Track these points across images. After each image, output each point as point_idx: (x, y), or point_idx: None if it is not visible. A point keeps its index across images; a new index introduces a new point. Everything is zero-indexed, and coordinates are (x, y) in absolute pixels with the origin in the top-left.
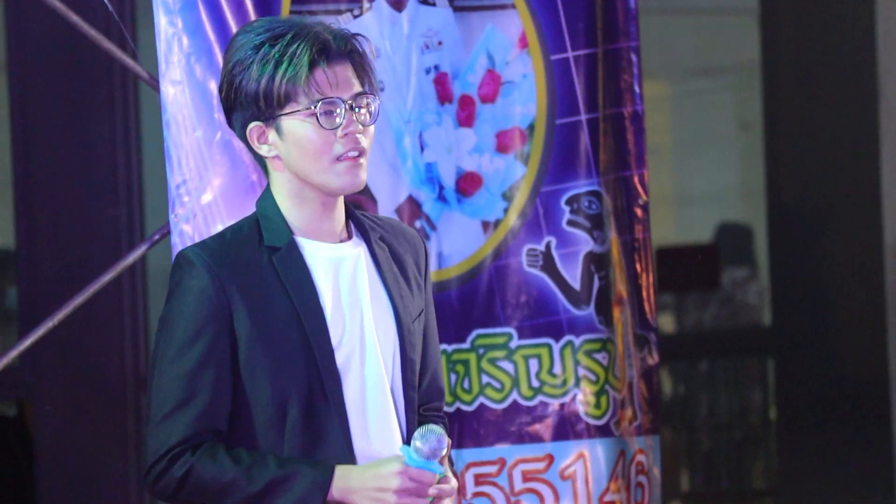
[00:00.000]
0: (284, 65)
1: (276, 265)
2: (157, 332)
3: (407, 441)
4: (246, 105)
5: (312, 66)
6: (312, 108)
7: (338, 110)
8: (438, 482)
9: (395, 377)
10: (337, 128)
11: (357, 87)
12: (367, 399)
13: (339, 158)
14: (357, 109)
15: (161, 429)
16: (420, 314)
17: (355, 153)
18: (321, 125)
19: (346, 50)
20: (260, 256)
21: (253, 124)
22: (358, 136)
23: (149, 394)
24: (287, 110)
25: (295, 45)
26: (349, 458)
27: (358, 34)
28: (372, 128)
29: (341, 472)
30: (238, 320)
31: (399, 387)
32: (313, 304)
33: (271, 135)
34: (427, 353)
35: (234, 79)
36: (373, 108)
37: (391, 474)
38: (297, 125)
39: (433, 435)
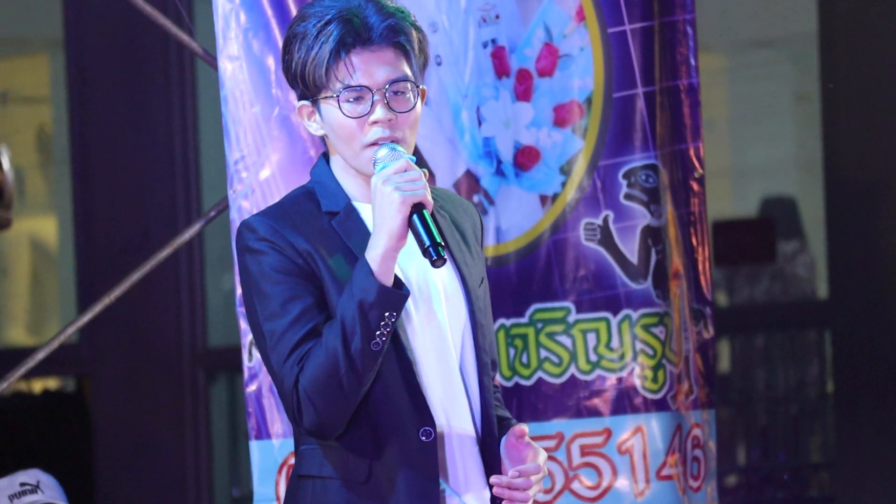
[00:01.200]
0: (315, 49)
1: (337, 228)
2: (247, 305)
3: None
4: (294, 84)
5: (336, 53)
6: (336, 95)
7: (365, 98)
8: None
9: (466, 342)
10: (363, 116)
11: (394, 73)
12: (431, 359)
13: (369, 146)
14: (393, 95)
15: (285, 370)
16: (483, 281)
17: (386, 141)
18: (344, 113)
19: (385, 34)
20: (320, 221)
21: (301, 103)
22: (391, 123)
23: (265, 356)
24: (322, 94)
25: (327, 30)
26: (422, 408)
27: (406, 17)
28: (413, 113)
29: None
30: (315, 267)
31: (470, 352)
32: None
33: (316, 115)
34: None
35: (285, 56)
36: (412, 93)
37: (374, 183)
38: (330, 110)
39: (381, 147)
